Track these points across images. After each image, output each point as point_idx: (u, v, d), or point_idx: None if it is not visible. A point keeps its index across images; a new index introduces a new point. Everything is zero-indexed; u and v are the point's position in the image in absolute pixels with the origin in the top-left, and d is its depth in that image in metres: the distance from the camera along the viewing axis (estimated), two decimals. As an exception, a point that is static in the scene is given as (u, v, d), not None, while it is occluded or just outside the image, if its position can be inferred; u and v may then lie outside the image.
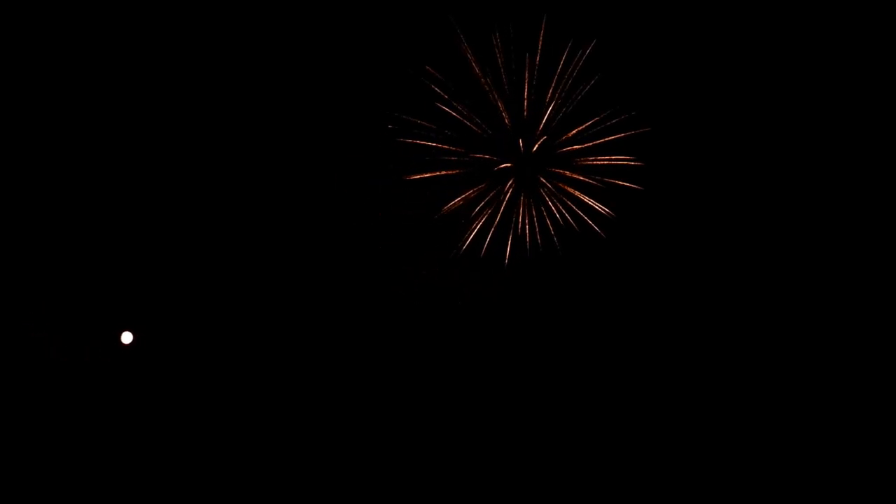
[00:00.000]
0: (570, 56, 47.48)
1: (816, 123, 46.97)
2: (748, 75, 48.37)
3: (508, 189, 48.24)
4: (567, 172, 48.28)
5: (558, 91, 47.89)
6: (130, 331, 35.47)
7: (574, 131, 47.96)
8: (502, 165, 48.18)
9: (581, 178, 48.16)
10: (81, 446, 34.89)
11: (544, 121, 48.01)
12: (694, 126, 48.35)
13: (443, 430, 40.36)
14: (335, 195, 45.96)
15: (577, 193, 48.30)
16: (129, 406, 35.48)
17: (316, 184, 43.54)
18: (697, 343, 43.09)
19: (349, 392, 39.84)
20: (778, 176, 47.83)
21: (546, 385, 43.54)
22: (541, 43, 47.27)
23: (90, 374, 34.99)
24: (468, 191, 48.32)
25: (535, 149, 48.16)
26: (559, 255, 46.93)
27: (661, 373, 42.73)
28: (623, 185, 47.80)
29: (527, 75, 47.52)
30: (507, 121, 47.95)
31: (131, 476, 34.83)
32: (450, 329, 45.84)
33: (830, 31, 45.68)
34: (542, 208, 48.67)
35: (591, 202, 48.06)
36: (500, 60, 47.26)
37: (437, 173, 47.75)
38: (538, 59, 47.45)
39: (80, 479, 34.17)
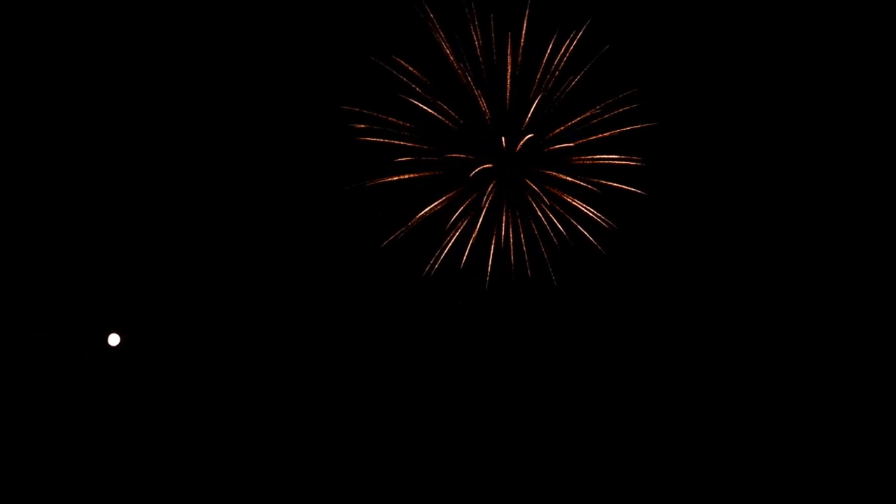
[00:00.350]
0: (561, 39, 40.60)
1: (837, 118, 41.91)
2: (765, 64, 42.31)
3: (489, 194, 41.22)
4: (558, 174, 41.33)
5: (547, 80, 40.90)
6: (118, 333, 36.66)
7: (565, 126, 41.23)
8: (482, 167, 41.24)
9: (574, 181, 41.19)
10: (75, 443, 35.93)
11: (530, 114, 41.13)
12: (707, 121, 42.28)
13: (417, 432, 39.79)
14: (287, 200, 41.95)
15: (570, 199, 41.39)
16: (123, 404, 36.71)
17: (270, 189, 41.57)
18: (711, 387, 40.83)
19: (330, 390, 39.69)
20: (803, 174, 41.87)
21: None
22: (526, 24, 40.35)
23: (87, 373, 36.39)
24: (440, 198, 41.52)
25: (519, 147, 41.18)
26: (550, 275, 41.74)
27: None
28: (625, 190, 41.21)
29: (509, 61, 40.53)
30: (487, 114, 41.23)
31: (122, 473, 35.90)
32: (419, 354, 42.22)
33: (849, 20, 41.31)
34: (529, 217, 41.76)
35: (587, 210, 41.08)
36: (477, 44, 40.19)
37: (404, 176, 40.70)
38: (522, 42, 40.56)
39: (74, 475, 35.33)
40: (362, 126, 40.20)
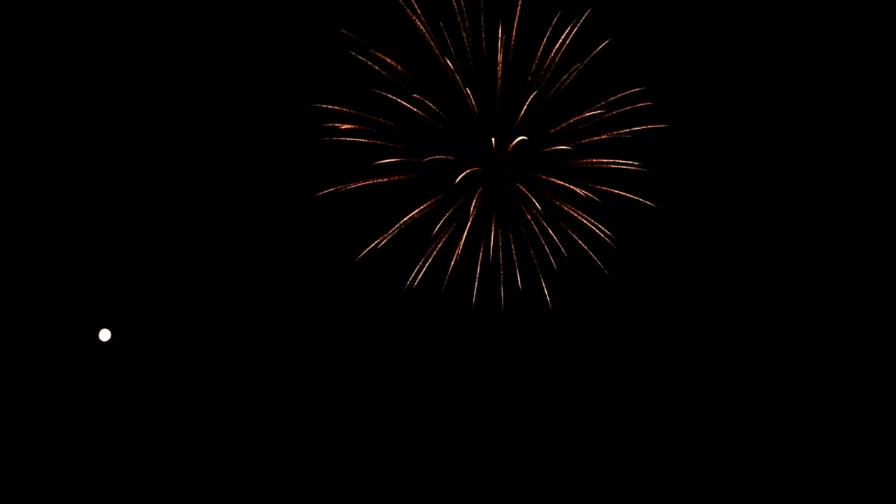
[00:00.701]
0: (558, 29, 36.25)
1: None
2: (791, 57, 38.41)
3: (477, 200, 36.86)
4: (554, 179, 37.01)
5: (542, 74, 36.58)
6: (109, 328, 37.40)
7: (562, 125, 36.93)
8: (469, 171, 36.90)
9: (573, 188, 36.82)
10: (75, 442, 36.66)
11: (523, 112, 36.66)
12: (724, 123, 38.29)
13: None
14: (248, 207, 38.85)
15: (567, 208, 37.14)
16: (118, 402, 37.50)
17: (239, 194, 38.92)
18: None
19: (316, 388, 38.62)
20: (833, 186, 38.19)
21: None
22: (519, 11, 36.05)
23: (86, 372, 37.20)
24: (423, 205, 37.27)
25: (511, 147, 36.81)
26: (545, 296, 37.52)
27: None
28: (630, 199, 36.94)
29: (500, 54, 36.42)
30: (475, 112, 36.90)
31: (121, 470, 36.46)
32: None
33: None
34: (522, 228, 37.45)
35: (586, 220, 37.05)
36: (465, 34, 36.27)
37: (383, 180, 36.90)
38: (515, 32, 36.22)
39: (73, 473, 36.07)
40: (337, 126, 36.63)
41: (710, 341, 38.28)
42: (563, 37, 36.07)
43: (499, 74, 36.39)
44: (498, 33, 35.90)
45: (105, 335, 37.18)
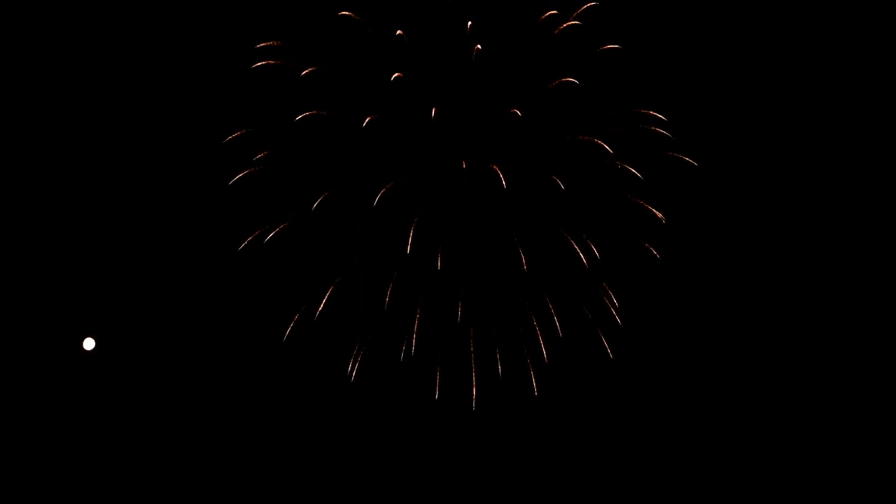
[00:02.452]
0: (550, 23, 30.63)
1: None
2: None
3: (439, 254, 30.29)
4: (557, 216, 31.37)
5: (526, 83, 30.75)
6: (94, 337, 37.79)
7: (554, 148, 30.83)
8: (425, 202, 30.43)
9: (568, 238, 30.42)
10: (73, 443, 37.53)
11: (512, 109, 30.44)
12: (765, 161, 33.65)
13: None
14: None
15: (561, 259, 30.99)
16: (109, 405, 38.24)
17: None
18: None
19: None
20: None
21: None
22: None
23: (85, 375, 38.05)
24: (364, 256, 31.73)
25: (488, 167, 30.32)
26: (532, 385, 32.10)
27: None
28: (643, 260, 31.87)
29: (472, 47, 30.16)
30: (433, 126, 30.53)
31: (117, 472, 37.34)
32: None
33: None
34: (498, 291, 31.44)
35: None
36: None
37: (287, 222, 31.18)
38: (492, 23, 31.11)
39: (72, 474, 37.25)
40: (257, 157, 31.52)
41: (740, 456, 33.75)
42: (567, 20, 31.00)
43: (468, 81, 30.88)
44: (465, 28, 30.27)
45: (89, 344, 37.61)
